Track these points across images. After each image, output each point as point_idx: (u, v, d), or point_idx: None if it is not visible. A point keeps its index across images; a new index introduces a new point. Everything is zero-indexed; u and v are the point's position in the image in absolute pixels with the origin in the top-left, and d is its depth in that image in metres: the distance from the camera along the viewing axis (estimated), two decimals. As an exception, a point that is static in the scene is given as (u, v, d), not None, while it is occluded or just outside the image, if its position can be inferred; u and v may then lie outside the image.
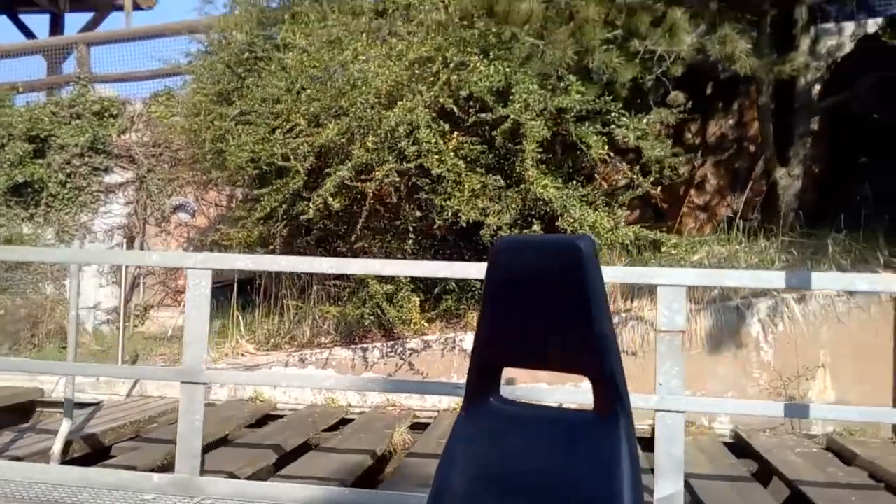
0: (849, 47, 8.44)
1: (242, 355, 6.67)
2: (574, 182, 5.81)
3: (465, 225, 5.21)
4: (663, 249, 5.56)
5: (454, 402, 5.97)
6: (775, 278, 3.23)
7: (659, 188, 6.40)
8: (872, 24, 8.36)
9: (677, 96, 5.82)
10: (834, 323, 5.80)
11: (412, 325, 5.72)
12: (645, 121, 5.78)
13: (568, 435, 1.06)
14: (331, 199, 5.04)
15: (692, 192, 9.42)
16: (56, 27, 14.64)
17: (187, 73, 7.47)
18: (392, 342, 6.30)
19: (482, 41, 5.15)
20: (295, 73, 5.36)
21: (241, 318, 6.90)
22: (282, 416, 5.92)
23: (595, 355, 1.03)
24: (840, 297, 5.81)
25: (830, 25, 8.82)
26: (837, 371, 5.81)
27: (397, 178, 5.07)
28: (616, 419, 1.01)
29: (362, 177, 5.14)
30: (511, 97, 5.00)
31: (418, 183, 5.27)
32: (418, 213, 5.77)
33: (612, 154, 5.73)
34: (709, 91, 9.22)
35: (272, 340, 6.77)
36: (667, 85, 5.89)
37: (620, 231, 5.50)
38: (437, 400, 6.13)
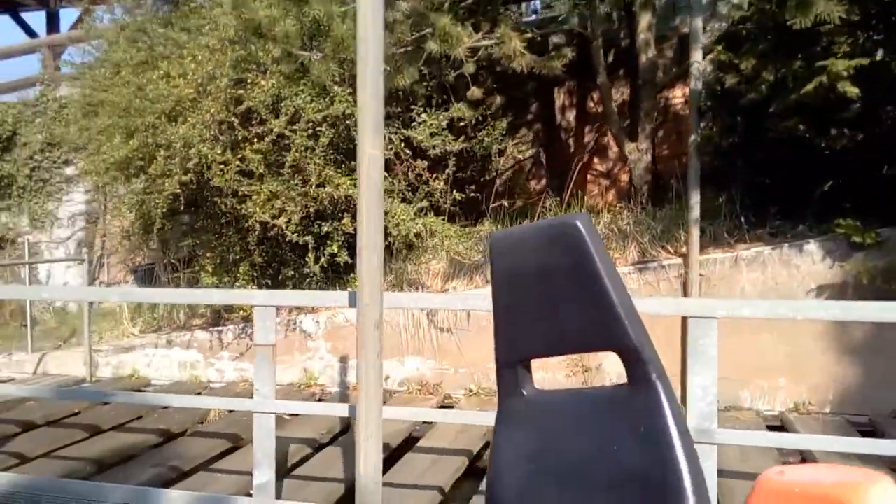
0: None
1: (127, 337, 7.58)
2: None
3: (257, 226, 5.80)
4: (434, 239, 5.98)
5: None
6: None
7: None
8: None
9: (474, 91, 6.11)
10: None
11: (241, 312, 6.41)
12: (440, 118, 6.12)
13: (609, 413, 1.03)
14: (125, 209, 5.77)
15: (595, 160, 9.59)
16: (52, 24, 15.66)
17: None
18: (243, 325, 7.03)
19: (263, 58, 5.62)
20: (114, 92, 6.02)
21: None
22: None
23: (619, 327, 0.99)
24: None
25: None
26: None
27: (178, 190, 5.68)
28: (654, 388, 0.98)
29: (151, 188, 5.79)
30: (280, 109, 5.49)
31: (207, 192, 5.88)
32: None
33: (407, 151, 6.12)
34: (611, 59, 9.24)
35: (156, 323, 7.63)
36: (468, 81, 6.18)
37: (410, 222, 5.93)
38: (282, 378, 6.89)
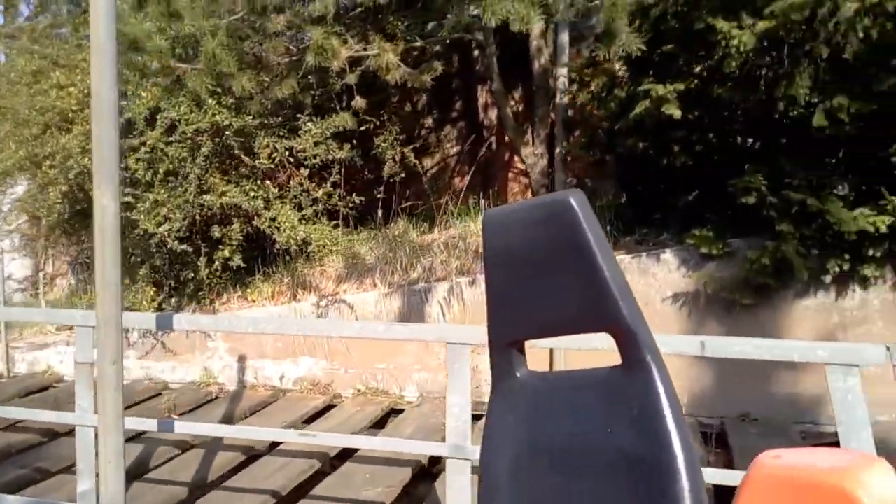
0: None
1: (44, 334, 7.85)
2: (260, 184, 6.48)
3: (141, 234, 6.04)
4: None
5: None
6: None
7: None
8: None
9: (358, 101, 6.29)
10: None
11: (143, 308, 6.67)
12: (325, 126, 6.32)
13: (603, 395, 1.01)
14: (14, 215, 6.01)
15: (515, 158, 9.77)
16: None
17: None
18: (148, 324, 7.29)
19: (130, 76, 5.81)
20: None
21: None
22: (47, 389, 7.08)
23: (613, 307, 0.97)
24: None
25: None
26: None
27: (59, 200, 5.92)
28: (648, 369, 0.96)
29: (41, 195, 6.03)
30: (156, 121, 5.71)
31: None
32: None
33: (291, 159, 6.33)
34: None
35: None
36: (352, 91, 6.35)
37: (291, 230, 6.15)
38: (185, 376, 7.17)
